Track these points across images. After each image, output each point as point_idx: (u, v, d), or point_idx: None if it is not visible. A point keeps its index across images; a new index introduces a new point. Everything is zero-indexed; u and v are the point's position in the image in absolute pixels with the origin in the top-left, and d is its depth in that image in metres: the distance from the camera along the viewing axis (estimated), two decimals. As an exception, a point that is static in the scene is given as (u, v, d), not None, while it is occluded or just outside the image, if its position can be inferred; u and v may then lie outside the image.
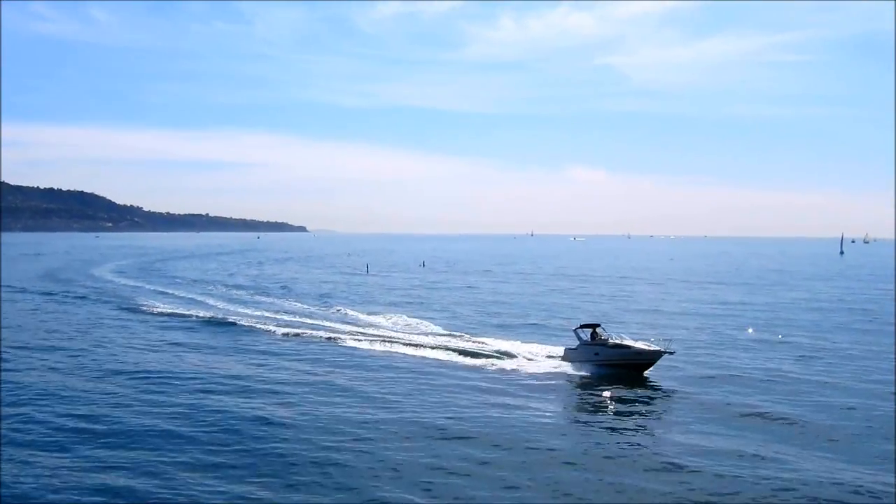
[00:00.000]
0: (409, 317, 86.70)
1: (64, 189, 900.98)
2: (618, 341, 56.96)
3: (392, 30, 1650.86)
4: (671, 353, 56.08)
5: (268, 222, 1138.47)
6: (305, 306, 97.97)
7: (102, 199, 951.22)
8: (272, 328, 77.54)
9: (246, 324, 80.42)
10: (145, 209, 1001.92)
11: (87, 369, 56.55)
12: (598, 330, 59.13)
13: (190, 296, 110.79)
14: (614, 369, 54.99)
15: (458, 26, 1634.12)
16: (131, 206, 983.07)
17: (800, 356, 64.35)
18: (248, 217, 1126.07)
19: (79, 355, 62.13)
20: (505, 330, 76.87)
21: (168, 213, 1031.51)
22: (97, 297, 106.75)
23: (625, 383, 52.82)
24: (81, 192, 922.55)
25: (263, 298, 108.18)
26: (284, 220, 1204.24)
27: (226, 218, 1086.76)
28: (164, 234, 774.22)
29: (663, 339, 58.87)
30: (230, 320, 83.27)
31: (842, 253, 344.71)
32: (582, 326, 60.22)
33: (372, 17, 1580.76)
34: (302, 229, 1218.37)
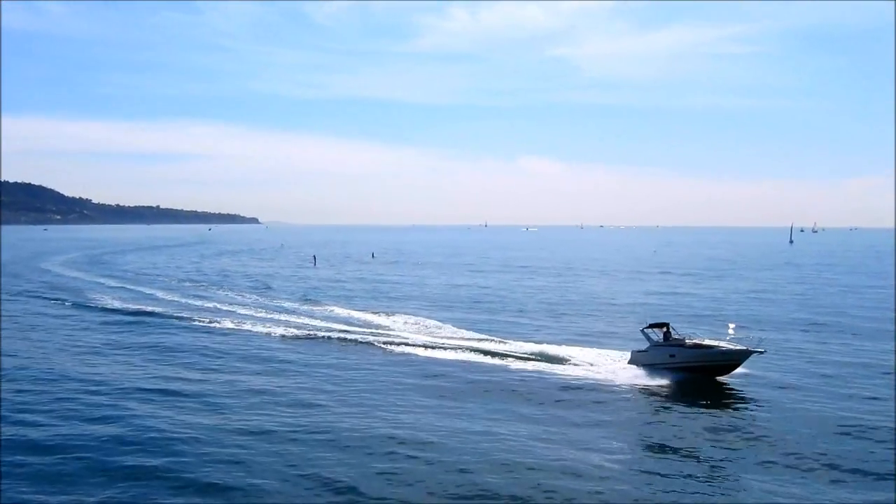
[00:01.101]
0: (367, 312, 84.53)
1: (11, 181, 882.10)
2: (697, 341, 51.50)
3: (346, 21, 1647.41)
4: (761, 353, 50.66)
5: (220, 214, 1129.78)
6: (241, 298, 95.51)
7: (51, 191, 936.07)
8: (217, 323, 74.95)
9: (188, 317, 78.19)
10: (95, 201, 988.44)
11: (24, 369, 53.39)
12: (669, 329, 53.19)
13: (132, 288, 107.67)
14: (693, 373, 49.71)
15: (411, 18, 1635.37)
16: (80, 198, 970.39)
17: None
18: (200, 209, 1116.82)
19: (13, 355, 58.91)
20: (457, 322, 75.12)
21: (118, 206, 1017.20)
22: (40, 292, 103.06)
23: (713, 393, 47.58)
24: (29, 184, 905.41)
25: (205, 292, 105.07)
26: (236, 212, 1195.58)
27: (177, 210, 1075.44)
28: (114, 226, 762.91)
29: (749, 337, 54.61)
30: (171, 314, 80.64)
31: (791, 242, 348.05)
32: (651, 326, 54.30)
33: (326, 10, 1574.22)
34: (254, 221, 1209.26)
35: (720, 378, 49.87)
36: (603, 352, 58.27)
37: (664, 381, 48.96)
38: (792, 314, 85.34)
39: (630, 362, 52.77)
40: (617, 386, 48.82)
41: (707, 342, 51.09)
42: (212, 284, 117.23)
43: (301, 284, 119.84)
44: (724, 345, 50.60)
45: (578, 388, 48.40)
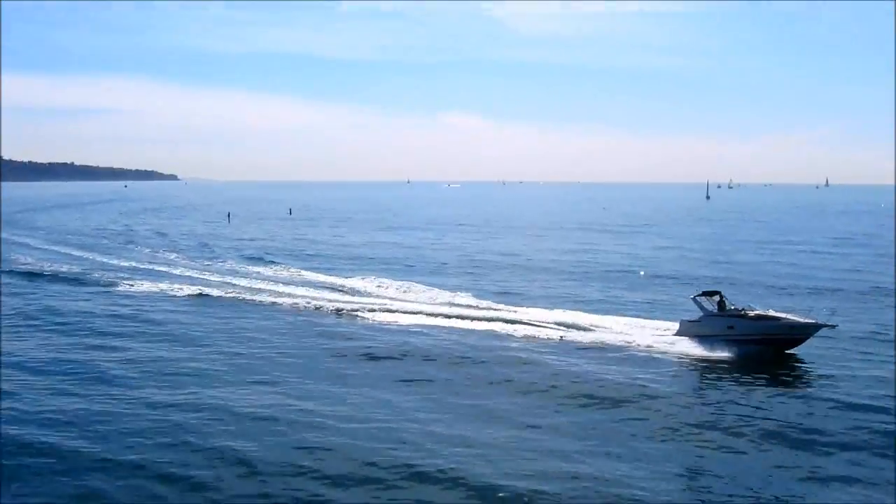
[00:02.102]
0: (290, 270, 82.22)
1: None
2: (759, 312, 47.24)
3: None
4: (833, 327, 46.38)
5: (137, 171, 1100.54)
6: (146, 257, 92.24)
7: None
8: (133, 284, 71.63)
9: (81, 278, 74.97)
10: (5, 158, 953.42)
11: None
12: (723, 298, 49.03)
13: (39, 247, 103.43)
14: (753, 346, 45.70)
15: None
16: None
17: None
18: (116, 165, 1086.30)
19: None
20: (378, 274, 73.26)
21: (30, 162, 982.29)
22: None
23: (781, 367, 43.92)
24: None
25: (108, 251, 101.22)
26: (154, 169, 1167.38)
27: (92, 167, 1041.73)
28: (27, 183, 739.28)
29: (816, 309, 50.09)
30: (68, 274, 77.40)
31: (708, 198, 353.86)
32: (704, 294, 49.80)
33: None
34: (173, 178, 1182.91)
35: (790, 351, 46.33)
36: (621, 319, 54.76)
37: (724, 354, 45.26)
38: (699, 270, 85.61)
39: (679, 333, 48.58)
40: (677, 358, 45.48)
41: (772, 313, 47.07)
42: (116, 243, 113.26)
43: (212, 242, 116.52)
44: (791, 317, 46.51)
45: (624, 360, 44.77)
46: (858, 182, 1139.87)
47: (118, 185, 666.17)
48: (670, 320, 52.11)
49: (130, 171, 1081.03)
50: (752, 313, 46.95)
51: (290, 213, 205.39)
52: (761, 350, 45.37)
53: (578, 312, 56.57)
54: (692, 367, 44.06)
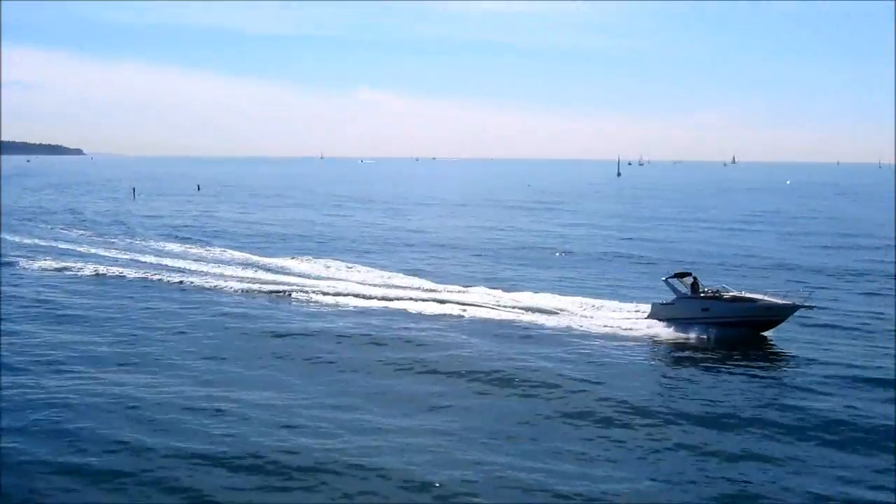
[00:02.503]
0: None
1: None
2: (735, 294, 46.14)
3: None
4: (810, 308, 45.64)
5: (40, 145, 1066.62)
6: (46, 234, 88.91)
7: None
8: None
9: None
10: None
11: None
12: (697, 280, 47.56)
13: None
14: (729, 329, 44.50)
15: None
16: None
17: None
18: (19, 139, 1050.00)
19: None
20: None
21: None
22: None
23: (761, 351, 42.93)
24: None
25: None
26: (59, 143, 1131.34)
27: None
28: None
29: (792, 291, 49.35)
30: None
31: (619, 174, 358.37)
32: (676, 275, 48.39)
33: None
34: (78, 152, 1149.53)
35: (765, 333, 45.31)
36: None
37: (700, 337, 44.25)
38: (611, 247, 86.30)
39: (651, 316, 47.13)
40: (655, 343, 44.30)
41: (748, 295, 45.86)
42: (14, 219, 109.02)
43: (116, 219, 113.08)
44: (767, 298, 45.31)
45: (576, 344, 43.20)
46: (764, 160, 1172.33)
47: (20, 159, 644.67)
48: (590, 297, 52.49)
49: (34, 144, 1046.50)
50: (727, 295, 45.94)
51: (199, 190, 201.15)
52: (737, 332, 44.36)
53: (498, 291, 56.15)
54: (663, 351, 43.03)
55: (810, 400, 34.02)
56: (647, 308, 48.15)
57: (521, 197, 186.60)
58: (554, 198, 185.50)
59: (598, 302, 52.06)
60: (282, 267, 67.73)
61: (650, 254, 79.78)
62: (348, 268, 66.87)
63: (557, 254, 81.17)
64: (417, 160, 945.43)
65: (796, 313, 45.29)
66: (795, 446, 29.04)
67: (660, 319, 46.43)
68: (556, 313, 49.50)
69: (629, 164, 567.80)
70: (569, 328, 46.45)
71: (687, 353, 42.33)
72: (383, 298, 53.92)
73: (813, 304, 45.94)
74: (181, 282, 60.75)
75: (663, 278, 49.17)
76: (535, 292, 55.40)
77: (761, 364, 40.62)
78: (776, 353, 42.89)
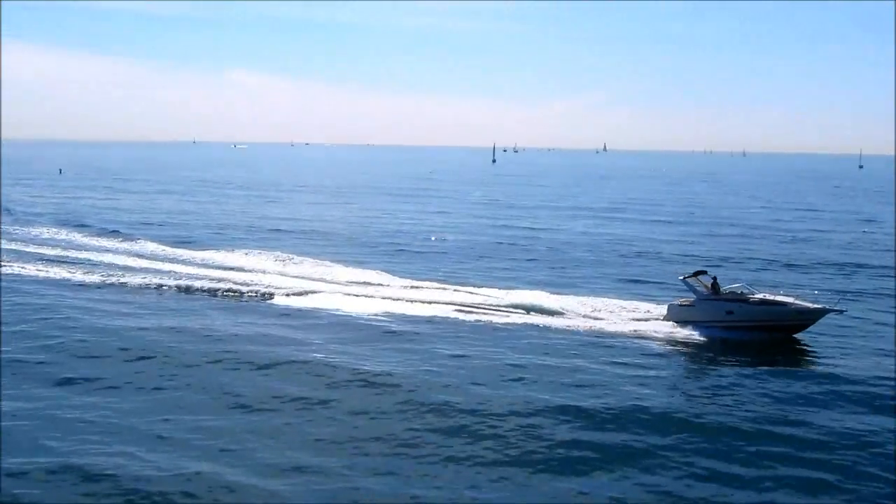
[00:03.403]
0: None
1: None
2: (762, 296, 42.98)
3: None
4: (840, 312, 42.22)
5: None
6: None
7: None
8: None
9: None
10: None
11: None
12: (716, 280, 44.66)
13: None
14: (754, 333, 41.81)
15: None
16: None
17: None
18: None
19: None
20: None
21: None
22: None
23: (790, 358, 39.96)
24: None
25: None
26: None
27: None
28: None
29: (815, 292, 47.01)
30: None
31: (494, 161, 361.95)
32: (694, 275, 45.12)
33: None
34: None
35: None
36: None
37: (724, 341, 41.29)
38: (484, 236, 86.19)
39: (668, 319, 44.00)
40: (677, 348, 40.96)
41: (777, 298, 42.81)
42: None
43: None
44: (798, 301, 42.61)
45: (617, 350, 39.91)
46: (634, 148, 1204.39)
47: None
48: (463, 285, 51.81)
49: None
50: (753, 297, 43.07)
51: (61, 173, 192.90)
52: (761, 336, 41.77)
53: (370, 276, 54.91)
54: (685, 357, 40.04)
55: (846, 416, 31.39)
56: (648, 308, 46.57)
57: (399, 184, 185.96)
58: (429, 185, 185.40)
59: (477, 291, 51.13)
60: (136, 253, 65.76)
61: (524, 243, 79.94)
62: (195, 253, 65.38)
63: (433, 238, 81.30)
64: (293, 145, 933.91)
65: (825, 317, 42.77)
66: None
67: (678, 322, 43.45)
68: (562, 313, 46.34)
69: (504, 150, 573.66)
70: (588, 330, 43.46)
71: (713, 360, 39.21)
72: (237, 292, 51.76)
73: (844, 309, 42.90)
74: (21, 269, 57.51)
75: (680, 277, 45.89)
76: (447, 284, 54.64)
77: (799, 373, 37.68)
78: (810, 359, 40.16)
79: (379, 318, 45.44)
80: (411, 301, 48.82)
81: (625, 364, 37.17)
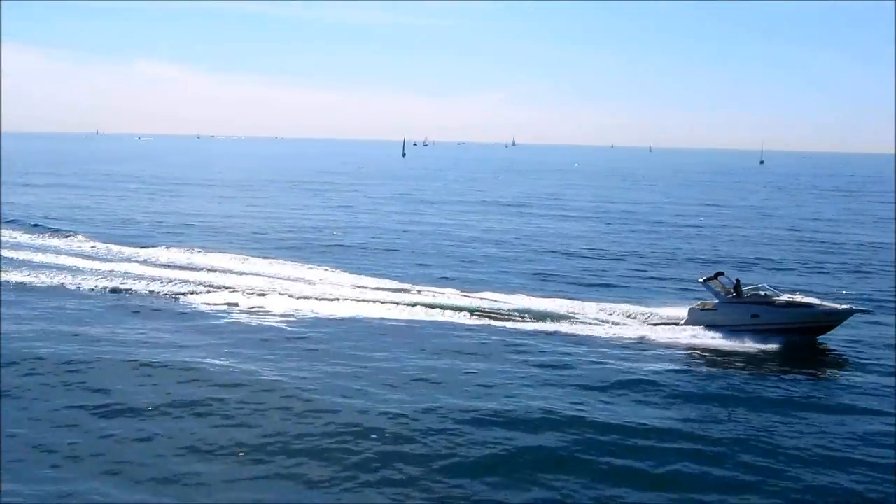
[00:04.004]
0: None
1: None
2: (788, 297, 41.60)
3: None
4: (866, 312, 42.28)
5: None
6: None
7: None
8: None
9: None
10: None
11: None
12: (739, 282, 43.14)
13: None
14: (781, 336, 40.33)
15: None
16: None
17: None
18: None
19: None
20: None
21: None
22: None
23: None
24: None
25: None
26: None
27: None
28: None
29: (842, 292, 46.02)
30: None
31: (404, 155, 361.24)
32: (715, 276, 43.73)
33: None
34: None
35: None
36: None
37: (750, 346, 39.63)
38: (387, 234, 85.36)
39: (689, 323, 42.26)
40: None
41: (802, 299, 41.78)
42: None
43: None
44: (825, 303, 41.96)
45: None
46: (542, 142, 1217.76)
47: None
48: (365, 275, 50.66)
49: None
50: (779, 299, 41.70)
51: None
52: (789, 339, 40.43)
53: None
54: (714, 365, 37.96)
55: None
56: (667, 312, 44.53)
57: (306, 177, 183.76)
58: (337, 178, 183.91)
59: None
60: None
61: (421, 239, 79.21)
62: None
63: (335, 232, 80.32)
64: (199, 137, 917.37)
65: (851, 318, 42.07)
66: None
67: (700, 326, 41.84)
68: (571, 317, 44.78)
69: (414, 144, 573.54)
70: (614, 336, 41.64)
71: (745, 367, 37.53)
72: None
73: (870, 309, 43.07)
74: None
75: (700, 279, 44.54)
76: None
77: (838, 380, 36.66)
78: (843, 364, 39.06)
79: (281, 318, 43.99)
80: (315, 299, 47.62)
81: (650, 374, 35.36)
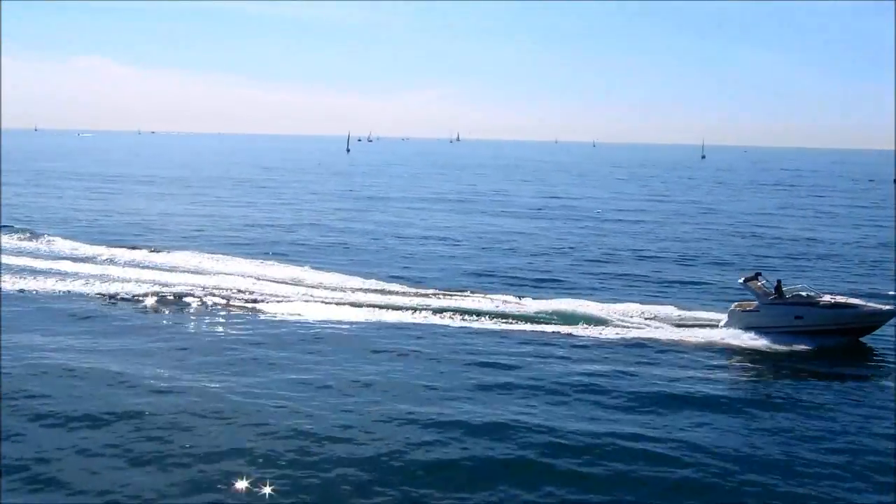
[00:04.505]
0: None
1: None
2: (830, 298, 40.83)
3: None
4: None
5: None
6: None
7: None
8: None
9: None
10: None
11: None
12: (780, 283, 42.01)
13: None
14: (824, 338, 39.35)
15: None
16: None
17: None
18: None
19: None
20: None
21: None
22: None
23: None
24: None
25: None
26: None
27: None
28: None
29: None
30: None
31: (348, 151, 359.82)
32: (754, 277, 42.93)
33: None
34: None
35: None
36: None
37: (794, 348, 38.63)
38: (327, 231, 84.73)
39: (728, 325, 41.12)
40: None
41: (847, 300, 41.05)
42: None
43: None
44: (868, 304, 41.11)
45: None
46: (486, 137, 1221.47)
47: None
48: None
49: None
50: (822, 300, 40.88)
51: None
52: (831, 341, 39.54)
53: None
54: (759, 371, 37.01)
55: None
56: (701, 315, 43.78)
57: (249, 174, 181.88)
58: (281, 175, 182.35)
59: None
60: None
61: (385, 237, 78.88)
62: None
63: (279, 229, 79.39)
64: (140, 133, 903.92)
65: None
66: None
67: (741, 328, 40.70)
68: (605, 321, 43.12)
69: (359, 140, 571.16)
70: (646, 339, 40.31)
71: (795, 369, 36.75)
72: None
73: None
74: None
75: (740, 280, 43.56)
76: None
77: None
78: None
79: (217, 320, 42.96)
80: (263, 302, 46.46)
81: (699, 382, 34.15)
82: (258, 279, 52.10)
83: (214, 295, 47.55)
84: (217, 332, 40.84)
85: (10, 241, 64.73)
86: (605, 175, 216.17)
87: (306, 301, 46.65)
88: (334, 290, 49.58)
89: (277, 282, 51.48)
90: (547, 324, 42.63)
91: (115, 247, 63.46)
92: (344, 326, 42.09)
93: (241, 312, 44.33)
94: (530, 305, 46.02)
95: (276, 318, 43.22)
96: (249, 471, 24.35)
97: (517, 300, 47.38)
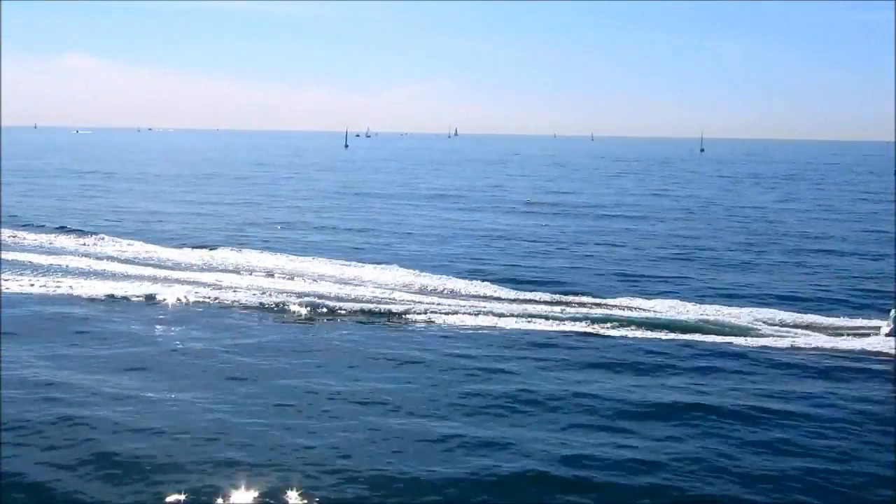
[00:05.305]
0: None
1: None
2: None
3: None
4: None
5: None
6: None
7: None
8: None
9: None
10: None
11: None
12: None
13: None
14: None
15: None
16: None
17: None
18: None
19: None
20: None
21: None
22: None
23: None
24: None
25: None
26: None
27: None
28: None
29: None
30: None
31: (346, 146, 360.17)
32: None
33: None
34: None
35: None
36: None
37: None
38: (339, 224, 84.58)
39: (892, 334, 35.25)
40: None
41: None
42: None
43: None
44: None
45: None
46: (483, 132, 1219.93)
47: None
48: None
49: None
50: None
51: None
52: None
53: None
54: None
55: None
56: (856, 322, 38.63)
57: (249, 171, 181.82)
58: (278, 170, 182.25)
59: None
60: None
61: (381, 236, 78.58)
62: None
63: (279, 227, 78.55)
64: (139, 130, 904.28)
65: None
66: None
67: None
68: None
69: (357, 135, 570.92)
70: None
71: None
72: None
73: None
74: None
75: None
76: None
77: None
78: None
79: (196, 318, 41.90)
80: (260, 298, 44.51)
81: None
82: (253, 275, 50.40)
83: (191, 290, 45.18)
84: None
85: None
86: (596, 168, 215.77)
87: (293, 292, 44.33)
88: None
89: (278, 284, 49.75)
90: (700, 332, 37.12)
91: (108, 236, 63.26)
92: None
93: (221, 309, 42.59)
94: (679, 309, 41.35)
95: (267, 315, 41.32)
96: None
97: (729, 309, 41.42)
